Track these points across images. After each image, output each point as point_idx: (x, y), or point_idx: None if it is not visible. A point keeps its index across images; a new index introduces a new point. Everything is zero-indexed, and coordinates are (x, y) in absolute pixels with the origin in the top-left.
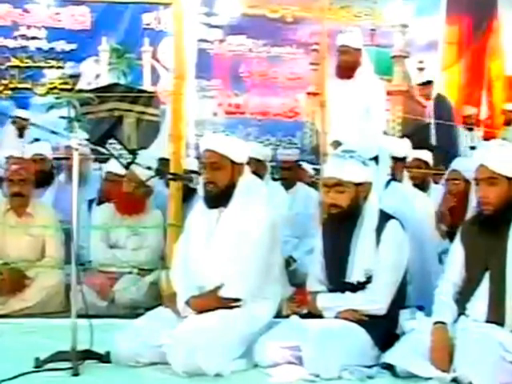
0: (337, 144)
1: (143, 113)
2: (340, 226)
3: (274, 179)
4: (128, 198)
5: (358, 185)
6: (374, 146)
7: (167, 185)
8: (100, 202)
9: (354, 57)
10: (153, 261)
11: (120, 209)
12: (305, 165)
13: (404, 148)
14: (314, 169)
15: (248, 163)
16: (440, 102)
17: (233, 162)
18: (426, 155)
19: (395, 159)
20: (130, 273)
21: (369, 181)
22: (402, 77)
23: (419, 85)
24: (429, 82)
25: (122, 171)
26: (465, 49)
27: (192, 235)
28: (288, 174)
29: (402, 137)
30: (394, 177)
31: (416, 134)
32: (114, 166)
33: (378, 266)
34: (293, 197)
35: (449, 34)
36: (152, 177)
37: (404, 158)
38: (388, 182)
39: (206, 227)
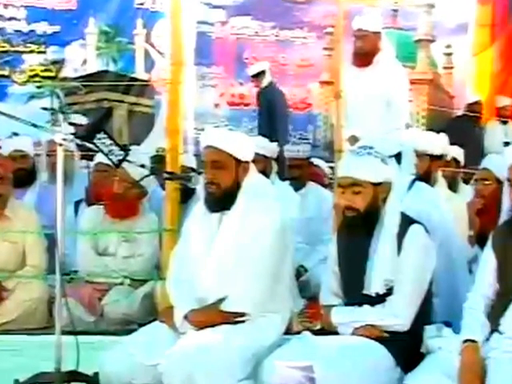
0: (353, 139)
1: (136, 104)
2: (357, 231)
3: (282, 179)
4: (119, 200)
5: (376, 185)
6: (396, 142)
7: (163, 185)
8: (89, 204)
9: (372, 42)
10: (147, 270)
11: (110, 212)
12: (317, 162)
13: (442, 145)
14: (329, 167)
15: (253, 161)
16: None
17: (237, 160)
18: (456, 152)
19: (431, 157)
20: (122, 284)
21: (389, 180)
22: (426, 63)
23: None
24: None
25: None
26: (499, 31)
27: (191, 242)
28: (298, 173)
29: (427, 131)
30: (427, 176)
31: (443, 127)
32: (104, 157)
33: (399, 276)
34: (303, 199)
35: (481, 15)
36: (146, 176)
37: (441, 156)
38: (412, 182)
39: (207, 233)
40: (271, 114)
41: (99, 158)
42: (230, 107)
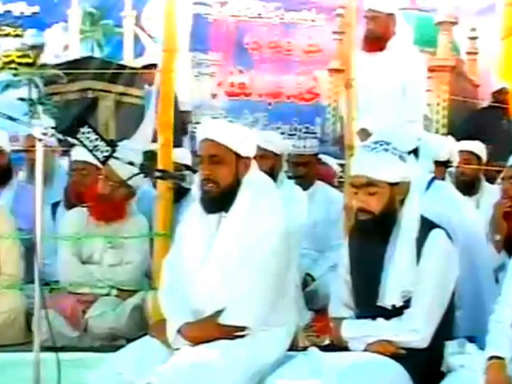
0: (366, 133)
1: (124, 94)
2: (371, 236)
3: (288, 177)
4: (104, 201)
5: (392, 185)
6: (413, 136)
7: (154, 184)
8: (68, 207)
9: (384, 24)
10: (136, 279)
11: (94, 214)
12: (326, 159)
13: (447, 148)
14: (338, 164)
15: (261, 157)
16: None
17: (237, 155)
18: (477, 147)
19: (435, 163)
20: (108, 295)
21: (407, 180)
22: (448, 48)
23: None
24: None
25: (94, 159)
26: None
27: (185, 247)
28: (305, 171)
29: (449, 124)
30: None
31: (467, 120)
32: (82, 153)
33: (418, 286)
34: (311, 200)
35: None
36: (135, 174)
37: (446, 162)
38: (431, 182)
39: (203, 237)
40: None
41: (76, 155)
42: (229, 98)
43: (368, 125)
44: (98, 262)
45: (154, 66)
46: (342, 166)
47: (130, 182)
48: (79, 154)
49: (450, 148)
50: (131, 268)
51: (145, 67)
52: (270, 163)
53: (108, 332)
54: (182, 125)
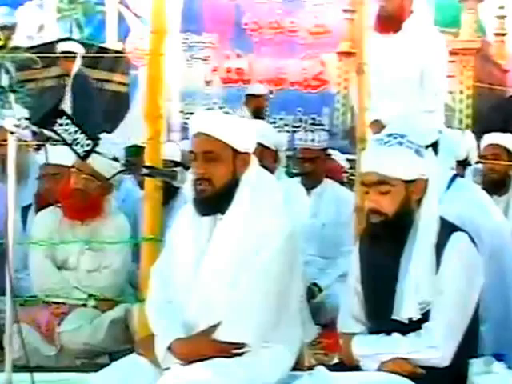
0: (380, 125)
1: (106, 81)
2: (384, 240)
3: (292, 175)
4: (79, 197)
5: (408, 182)
6: (433, 129)
7: (141, 184)
8: (39, 210)
9: (400, 2)
10: (116, 286)
11: (68, 213)
12: (334, 154)
13: (465, 146)
14: (348, 160)
15: (255, 152)
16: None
17: (234, 151)
18: (507, 140)
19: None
20: (85, 305)
21: (424, 177)
22: (473, 29)
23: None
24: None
25: (69, 161)
26: None
27: (176, 254)
28: (311, 168)
29: (473, 115)
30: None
31: (494, 110)
32: (56, 155)
33: (438, 296)
34: (318, 200)
35: None
36: (120, 172)
37: (464, 161)
38: (452, 179)
39: (196, 242)
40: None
41: (50, 156)
42: (226, 85)
43: (382, 115)
44: (74, 268)
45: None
46: (352, 161)
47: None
48: (51, 155)
49: (469, 145)
50: (110, 273)
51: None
52: (264, 158)
53: (83, 348)
54: (256, 111)
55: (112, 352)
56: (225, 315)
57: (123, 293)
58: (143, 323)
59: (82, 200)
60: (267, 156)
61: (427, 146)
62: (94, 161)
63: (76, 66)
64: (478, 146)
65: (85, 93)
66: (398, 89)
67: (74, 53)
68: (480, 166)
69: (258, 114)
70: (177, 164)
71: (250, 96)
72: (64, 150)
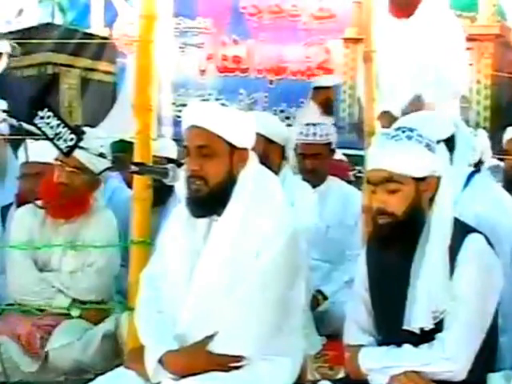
0: (390, 118)
1: (91, 69)
2: (393, 243)
3: (293, 172)
4: (63, 193)
5: (419, 180)
6: (447, 122)
7: (129, 183)
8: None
9: None
10: (100, 286)
11: (52, 211)
12: (341, 150)
13: (479, 147)
14: (354, 156)
15: (254, 148)
16: None
17: (231, 146)
18: None
19: None
20: (70, 316)
21: (437, 174)
22: (492, 13)
23: None
24: None
25: (50, 158)
26: None
27: (168, 258)
28: (315, 165)
29: (492, 106)
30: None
31: None
32: (37, 153)
33: (452, 304)
34: (323, 200)
35: None
36: (107, 169)
37: (478, 164)
38: (469, 177)
39: (190, 246)
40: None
41: (30, 153)
42: (222, 74)
43: (392, 107)
44: (56, 269)
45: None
46: (359, 158)
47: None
48: (31, 152)
49: (483, 146)
50: (94, 272)
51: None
52: (266, 154)
53: (73, 365)
54: (325, 104)
55: (102, 369)
56: (221, 325)
57: (110, 298)
58: (132, 334)
59: (67, 196)
60: (273, 152)
61: (441, 141)
62: (79, 153)
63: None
64: (497, 141)
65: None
66: (410, 78)
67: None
68: (501, 163)
69: (326, 108)
70: (169, 161)
71: (318, 89)
72: (46, 146)
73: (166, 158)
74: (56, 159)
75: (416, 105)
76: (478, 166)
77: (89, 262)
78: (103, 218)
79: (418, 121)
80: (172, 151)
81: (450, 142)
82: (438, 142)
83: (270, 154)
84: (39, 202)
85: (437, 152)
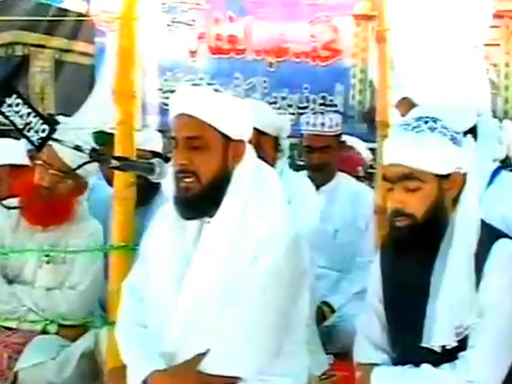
0: (408, 105)
1: (66, 51)
2: (412, 249)
3: (297, 168)
4: (43, 198)
5: (442, 178)
6: (472, 111)
7: (109, 180)
8: None
9: None
10: (82, 311)
11: (28, 216)
12: (351, 142)
13: (505, 141)
14: (367, 149)
15: (250, 141)
16: None
17: (226, 138)
18: None
19: None
20: (45, 332)
21: (461, 171)
22: None
23: None
24: None
25: (25, 159)
26: None
27: (154, 265)
28: (322, 160)
29: None
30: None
31: None
32: (8, 154)
33: (478, 319)
34: (331, 199)
35: None
36: (84, 164)
37: (505, 160)
38: (494, 173)
39: (179, 251)
40: None
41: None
42: (215, 56)
43: (410, 93)
44: (29, 282)
45: None
46: (372, 151)
47: (79, 172)
48: None
49: (510, 139)
50: (76, 295)
51: None
52: (261, 147)
53: None
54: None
55: None
56: (214, 342)
57: (89, 317)
58: (113, 351)
59: (47, 201)
60: (265, 144)
61: (466, 133)
62: (63, 152)
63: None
64: None
65: None
66: (430, 59)
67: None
68: None
69: None
70: (155, 155)
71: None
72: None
73: (151, 151)
74: (36, 158)
75: (404, 107)
76: (505, 162)
77: (71, 282)
78: (87, 227)
79: (441, 109)
80: (158, 144)
81: (471, 134)
82: (464, 134)
83: (263, 146)
84: (11, 202)
85: (463, 146)
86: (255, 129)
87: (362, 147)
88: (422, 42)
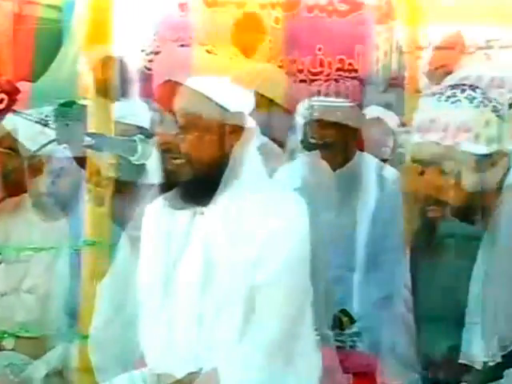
0: (442, 71)
1: (28, 3)
2: (447, 245)
3: (307, 147)
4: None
5: (483, 159)
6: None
7: (81, 162)
8: None
9: None
10: (43, 322)
11: None
12: (374, 114)
13: None
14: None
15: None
16: None
17: (223, 110)
18: None
19: None
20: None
21: (504, 150)
22: None
23: None
24: None
25: None
26: None
27: (135, 266)
28: (336, 137)
29: None
30: None
31: None
32: None
33: None
34: (348, 184)
35: None
36: (49, 142)
37: None
38: None
39: (166, 248)
40: None
41: None
42: (209, 8)
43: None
44: None
45: None
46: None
47: (41, 154)
48: None
49: None
50: (35, 300)
51: None
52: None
53: None
54: None
55: None
56: (208, 357)
57: (54, 324)
58: (85, 370)
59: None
60: (275, 118)
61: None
62: (15, 128)
63: None
64: None
65: None
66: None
67: None
68: None
69: None
70: (138, 130)
71: None
72: None
73: (132, 125)
74: None
75: (435, 74)
76: None
77: (27, 285)
78: (46, 216)
79: (481, 76)
80: (141, 117)
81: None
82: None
83: (272, 120)
84: None
85: (508, 120)
86: (264, 97)
87: (389, 119)
88: None
